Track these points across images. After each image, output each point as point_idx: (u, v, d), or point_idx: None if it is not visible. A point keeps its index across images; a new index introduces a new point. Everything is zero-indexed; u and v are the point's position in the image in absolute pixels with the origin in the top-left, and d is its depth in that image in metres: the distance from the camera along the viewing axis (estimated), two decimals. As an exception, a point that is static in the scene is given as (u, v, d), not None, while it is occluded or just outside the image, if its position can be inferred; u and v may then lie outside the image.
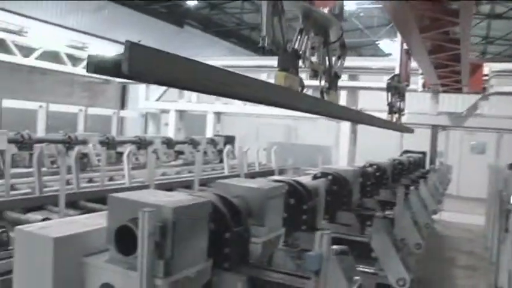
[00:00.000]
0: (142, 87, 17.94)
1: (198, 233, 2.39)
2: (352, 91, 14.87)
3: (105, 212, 2.84)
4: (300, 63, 3.76)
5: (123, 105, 19.76)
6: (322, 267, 2.04)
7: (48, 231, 2.30)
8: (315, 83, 4.52)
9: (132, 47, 1.52)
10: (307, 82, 4.11)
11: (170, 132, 16.61)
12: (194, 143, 12.82)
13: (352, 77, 14.87)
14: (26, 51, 15.67)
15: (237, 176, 9.74)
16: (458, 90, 12.65)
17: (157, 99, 17.98)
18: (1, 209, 5.26)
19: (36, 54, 15.80)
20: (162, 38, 20.19)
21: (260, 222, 3.06)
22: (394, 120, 8.94)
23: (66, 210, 5.36)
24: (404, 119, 13.54)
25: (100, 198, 6.47)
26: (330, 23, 4.30)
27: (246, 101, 3.02)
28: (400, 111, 9.21)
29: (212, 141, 13.68)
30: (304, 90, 3.72)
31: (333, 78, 4.66)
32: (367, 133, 16.17)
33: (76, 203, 6.09)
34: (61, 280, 2.28)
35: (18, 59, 15.34)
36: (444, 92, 13.06)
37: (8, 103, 13.08)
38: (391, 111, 8.78)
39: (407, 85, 9.42)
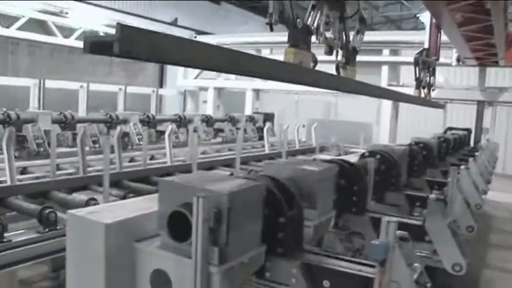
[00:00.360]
0: (180, 65, 17.90)
1: (252, 217, 2.31)
2: (394, 66, 14.50)
3: (153, 196, 2.78)
4: (314, 39, 3.65)
5: (161, 83, 19.81)
6: (388, 257, 1.92)
7: (99, 217, 2.25)
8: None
9: (122, 29, 1.57)
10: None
11: (209, 110, 16.58)
12: (233, 121, 12.74)
13: (394, 52, 14.48)
14: (67, 32, 15.85)
15: (278, 154, 9.65)
16: (495, 64, 12.12)
17: (196, 77, 17.95)
18: (48, 189, 5.31)
19: (76, 34, 15.95)
20: (199, 16, 20.12)
21: (312, 205, 2.96)
22: (423, 95, 8.65)
23: (110, 189, 5.36)
24: (447, 95, 13.24)
25: (143, 178, 6.49)
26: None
27: (245, 76, 2.95)
28: (430, 86, 8.91)
29: (251, 119, 13.58)
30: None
31: (350, 53, 4.52)
32: (409, 109, 15.86)
33: (119, 183, 6.10)
34: (113, 265, 2.25)
35: (59, 39, 15.53)
36: (480, 65, 12.58)
37: (50, 84, 13.23)
38: (418, 86, 8.50)
39: (437, 59, 9.07)
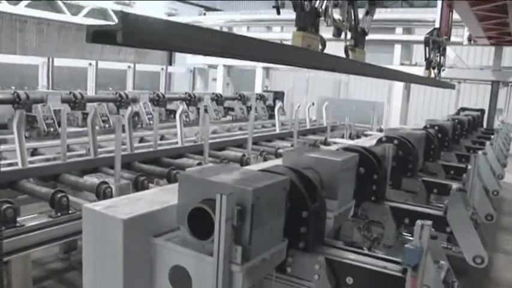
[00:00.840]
0: (189, 42, 17.71)
1: (276, 213, 2.23)
2: (407, 45, 14.26)
3: (171, 186, 2.71)
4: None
5: (170, 60, 19.64)
6: (421, 262, 1.84)
7: (116, 212, 2.18)
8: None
9: (124, 18, 1.51)
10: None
11: (218, 88, 16.43)
12: (243, 99, 12.60)
13: (407, 30, 14.22)
14: (75, 9, 15.70)
15: (289, 134, 9.55)
16: (508, 43, 11.92)
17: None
18: (59, 172, 5.25)
19: (84, 12, 15.80)
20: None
21: (333, 195, 2.88)
22: (433, 75, 8.49)
23: (121, 172, 5.29)
24: (461, 75, 13.03)
25: (154, 160, 6.42)
26: None
27: (249, 60, 2.80)
28: (440, 66, 8.75)
29: (261, 97, 13.41)
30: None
31: (359, 35, 4.41)
32: (420, 88, 15.64)
33: (130, 165, 6.03)
34: (131, 260, 2.19)
35: (67, 17, 15.40)
36: (491, 45, 12.39)
37: (59, 62, 13.11)
38: (428, 67, 8.34)
39: (448, 39, 8.87)
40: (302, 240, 2.45)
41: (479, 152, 5.35)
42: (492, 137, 7.71)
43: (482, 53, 16.45)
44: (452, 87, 10.79)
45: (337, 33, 4.06)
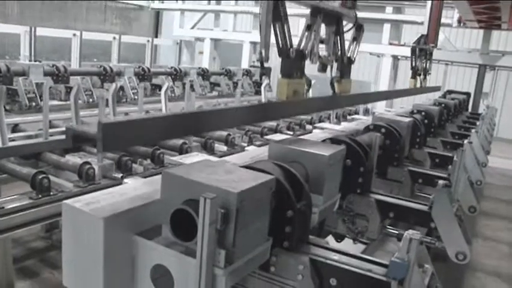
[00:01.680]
0: (177, 14, 17.43)
1: (261, 214, 2.18)
2: (396, 25, 14.16)
3: (154, 179, 2.65)
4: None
5: (157, 32, 19.32)
6: (407, 276, 1.81)
7: (97, 210, 2.11)
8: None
9: (104, 128, 1.61)
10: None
11: (204, 62, 16.21)
12: (230, 74, 12.43)
13: (397, 10, 14.11)
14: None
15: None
16: (497, 27, 11.94)
17: (192, 27, 17.48)
18: (40, 150, 5.15)
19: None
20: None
21: (318, 190, 2.84)
22: (419, 83, 8.48)
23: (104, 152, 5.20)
24: (449, 57, 13.03)
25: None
26: (342, 15, 3.97)
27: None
28: (426, 71, 8.72)
29: (248, 73, 13.23)
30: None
31: (345, 65, 4.36)
32: (407, 67, 15.57)
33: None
34: (112, 259, 2.13)
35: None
36: (481, 28, 12.41)
37: (41, 31, 12.79)
38: (414, 76, 8.32)
39: (434, 47, 8.79)
40: (286, 240, 2.42)
41: (465, 142, 5.34)
42: (477, 123, 7.72)
43: (470, 36, 16.41)
44: (438, 89, 10.77)
45: (322, 69, 4.01)
